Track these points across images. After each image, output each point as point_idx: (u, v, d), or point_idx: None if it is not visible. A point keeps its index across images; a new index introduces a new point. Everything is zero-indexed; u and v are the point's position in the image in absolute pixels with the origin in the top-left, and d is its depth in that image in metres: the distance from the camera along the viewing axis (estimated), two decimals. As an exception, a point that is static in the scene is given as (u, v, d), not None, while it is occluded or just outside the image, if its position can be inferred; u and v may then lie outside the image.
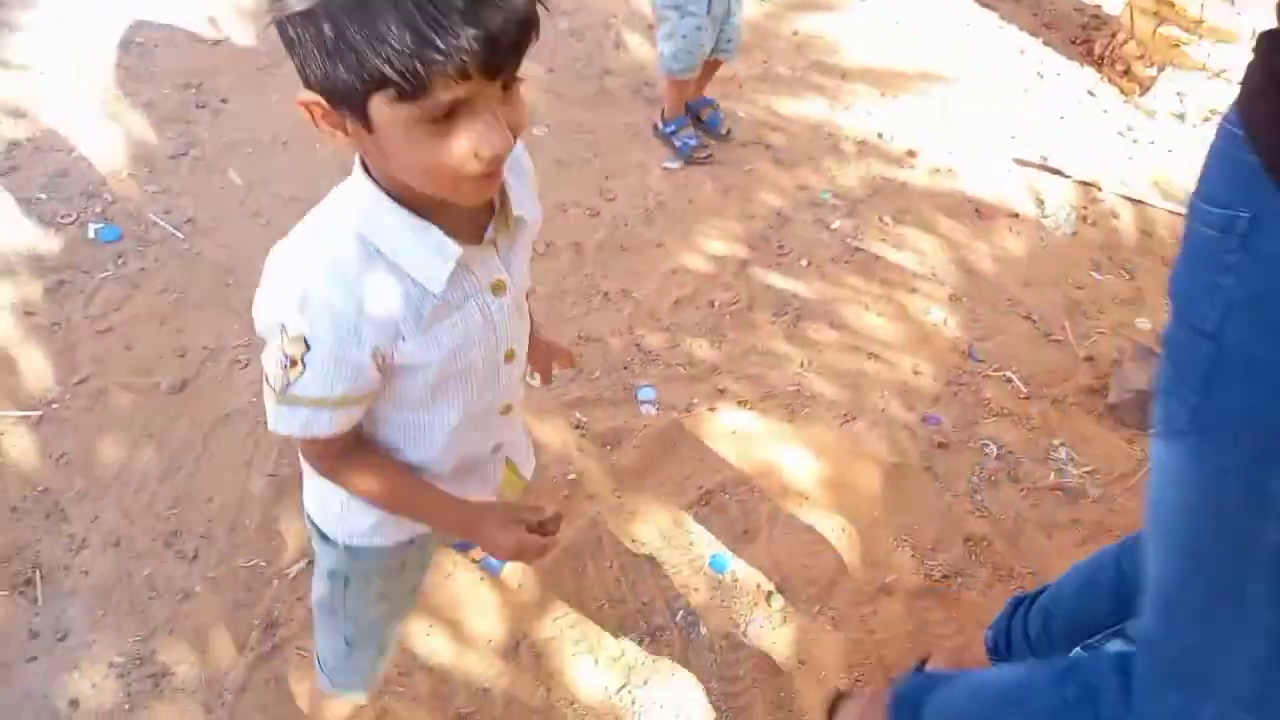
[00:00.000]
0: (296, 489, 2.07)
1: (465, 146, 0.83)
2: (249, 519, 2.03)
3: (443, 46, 0.74)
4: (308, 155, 2.86)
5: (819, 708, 1.88)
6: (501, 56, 0.78)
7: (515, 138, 0.87)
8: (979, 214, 3.13)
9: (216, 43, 3.25)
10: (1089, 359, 2.68)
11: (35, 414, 2.14)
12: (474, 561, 1.99)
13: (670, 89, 3.06)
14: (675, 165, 3.11)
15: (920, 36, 3.93)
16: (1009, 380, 2.61)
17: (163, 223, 2.60)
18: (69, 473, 2.05)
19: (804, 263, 2.86)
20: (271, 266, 0.96)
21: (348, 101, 0.81)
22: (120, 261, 2.49)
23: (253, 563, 1.96)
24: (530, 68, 3.33)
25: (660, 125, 3.16)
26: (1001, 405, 2.54)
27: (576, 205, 2.91)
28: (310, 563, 1.97)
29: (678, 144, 3.11)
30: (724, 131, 3.20)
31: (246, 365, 2.31)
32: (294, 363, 0.95)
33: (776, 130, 3.34)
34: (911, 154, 3.32)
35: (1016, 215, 3.15)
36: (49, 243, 2.49)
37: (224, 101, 3.03)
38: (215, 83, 3.09)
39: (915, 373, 2.60)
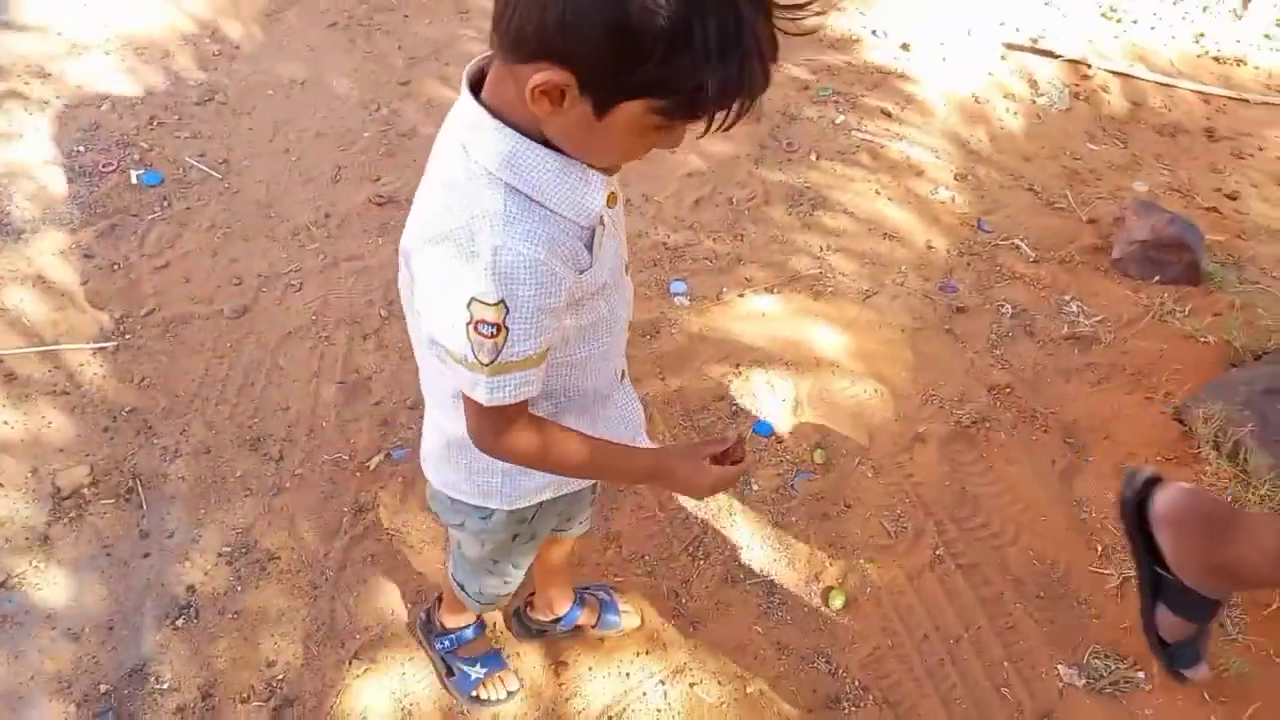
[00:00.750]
0: (366, 393, 2.23)
1: (672, 144, 0.92)
2: (325, 421, 2.17)
3: (762, 86, 0.83)
4: (325, 94, 2.95)
5: (921, 524, 2.05)
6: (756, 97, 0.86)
7: None
8: (976, 98, 3.25)
9: (221, -6, 3.32)
10: (1091, 221, 2.82)
11: (110, 345, 2.26)
12: (592, 629, 1.87)
13: None
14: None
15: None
16: (1018, 247, 2.75)
17: (199, 165, 2.71)
18: (152, 394, 2.19)
19: (813, 156, 2.98)
20: (433, 254, 0.95)
21: (610, 96, 0.84)
22: (165, 203, 2.60)
23: (335, 456, 2.11)
24: None
25: None
26: (1013, 269, 2.69)
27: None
28: (388, 455, 2.12)
29: None
30: None
31: (300, 288, 2.44)
32: (498, 329, 0.93)
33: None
34: (905, 47, 3.43)
35: (1012, 96, 3.27)
36: (95, 191, 2.60)
37: (237, 47, 3.12)
38: (226, 30, 3.17)
39: (929, 247, 2.73)
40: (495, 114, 0.92)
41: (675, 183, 2.86)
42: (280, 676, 1.81)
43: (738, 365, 2.39)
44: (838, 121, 3.11)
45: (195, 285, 2.42)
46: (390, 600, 1.92)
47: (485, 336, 0.94)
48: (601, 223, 1.01)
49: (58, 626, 1.82)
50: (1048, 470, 2.22)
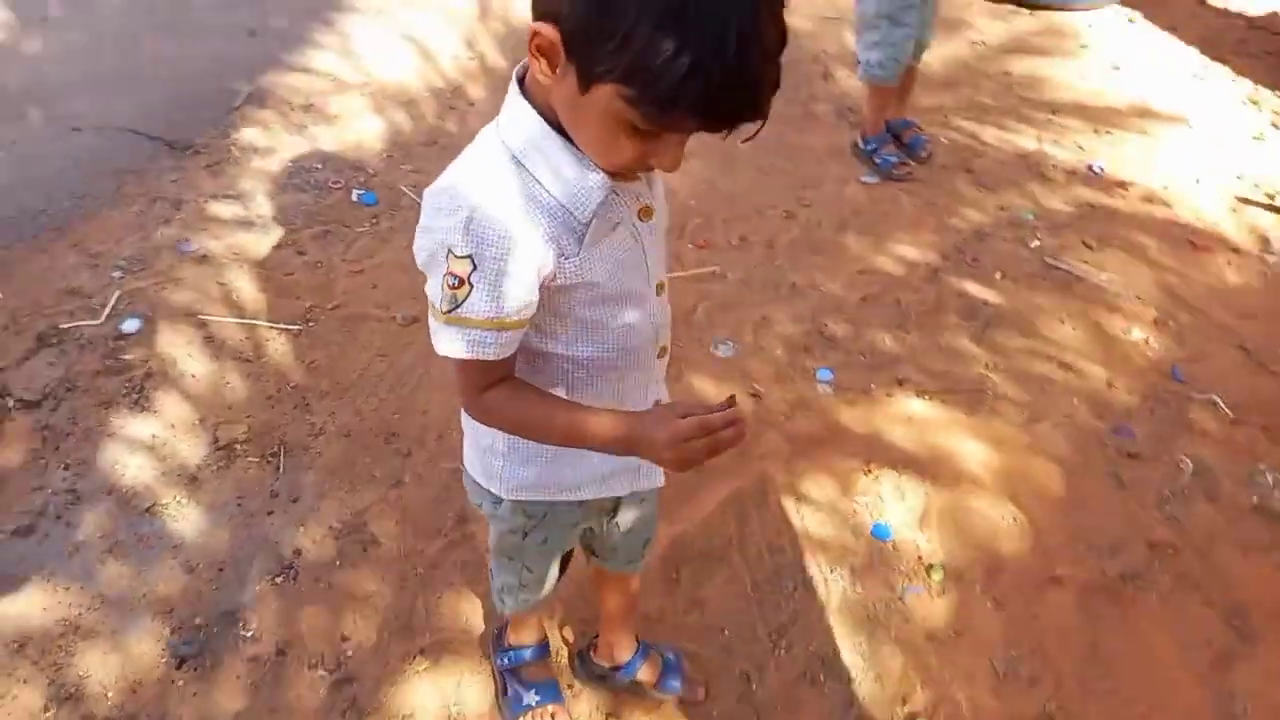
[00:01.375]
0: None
1: (649, 158, 0.93)
2: (455, 431, 2.28)
3: (738, 114, 0.84)
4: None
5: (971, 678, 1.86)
6: (731, 126, 0.87)
7: None
8: (1193, 245, 3.02)
9: (471, 59, 3.72)
10: (1310, 392, 2.51)
11: (296, 328, 2.51)
12: (651, 688, 1.80)
13: (871, 100, 3.20)
14: (873, 180, 3.21)
15: (1141, 81, 3.86)
16: (1214, 403, 2.48)
17: (411, 194, 3.00)
18: (317, 376, 2.40)
19: (998, 275, 2.86)
20: (430, 201, 1.00)
21: (588, 67, 0.85)
22: (374, 221, 2.89)
23: (454, 465, 2.20)
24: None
25: (860, 143, 3.29)
26: (1204, 426, 2.42)
27: (773, 208, 3.07)
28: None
29: (878, 160, 3.22)
30: (924, 154, 3.28)
31: (467, 310, 2.61)
32: (461, 282, 0.97)
33: (980, 156, 3.38)
34: (1123, 185, 3.26)
35: (1236, 250, 3.01)
36: (321, 202, 2.93)
37: (471, 105, 3.46)
38: (468, 90, 3.54)
39: (1109, 386, 2.53)
40: (525, 93, 0.99)
41: (846, 274, 2.83)
42: (350, 653, 1.86)
43: (870, 463, 2.29)
44: (1033, 245, 2.98)
45: (380, 292, 2.65)
46: (468, 609, 1.95)
47: (451, 288, 0.98)
48: (611, 226, 1.05)
49: (179, 557, 1.99)
50: (1201, 649, 1.93)
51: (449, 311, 0.99)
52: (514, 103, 0.99)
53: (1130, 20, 4.32)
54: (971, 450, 2.33)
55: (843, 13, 4.19)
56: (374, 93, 3.42)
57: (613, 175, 1.00)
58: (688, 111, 0.83)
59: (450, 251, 0.97)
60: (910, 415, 2.42)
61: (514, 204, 0.97)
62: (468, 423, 1.29)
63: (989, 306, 2.74)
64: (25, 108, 3.09)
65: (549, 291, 1.06)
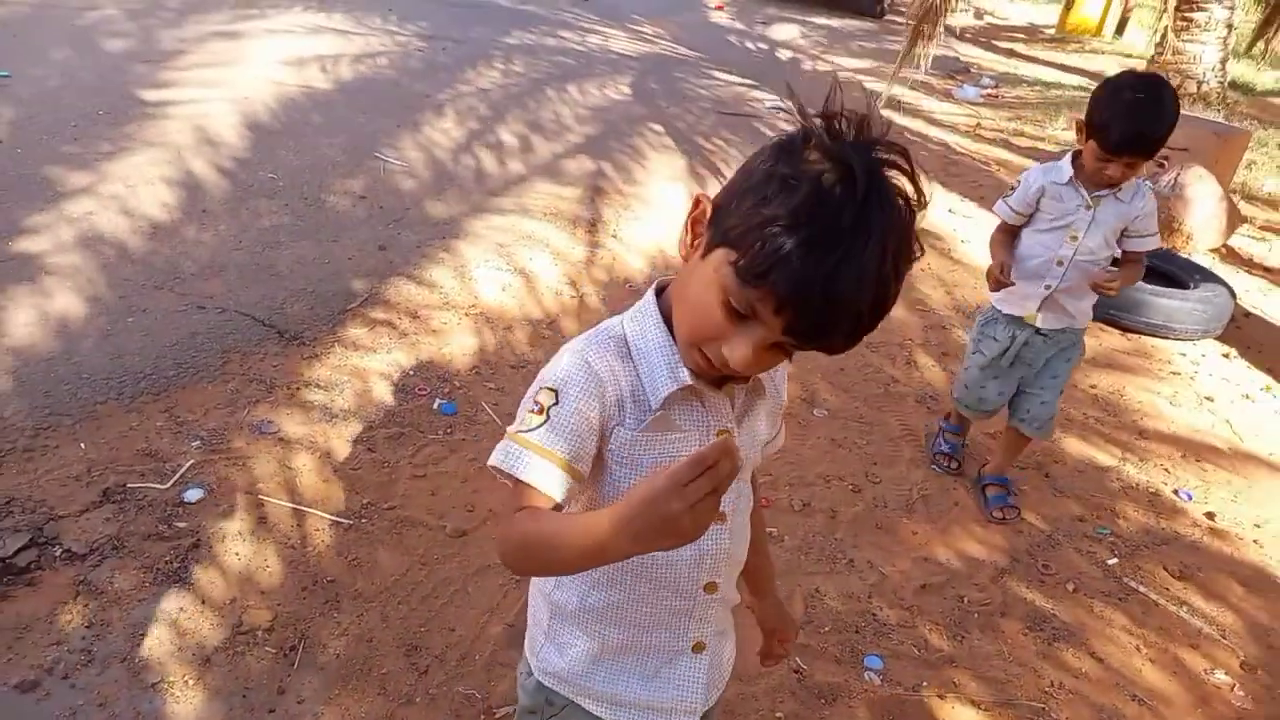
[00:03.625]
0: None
1: (721, 339, 0.98)
2: (479, 655, 2.19)
3: (795, 302, 0.91)
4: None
5: None
6: (806, 336, 0.95)
7: (759, 372, 1.07)
8: (1287, 588, 2.82)
9: (572, 297, 3.95)
10: None
11: (347, 522, 2.53)
12: None
13: (954, 413, 3.16)
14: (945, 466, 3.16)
15: (1235, 418, 3.80)
16: (1310, 772, 2.21)
17: (490, 411, 3.09)
18: (355, 573, 2.37)
19: (1070, 587, 2.71)
20: (559, 353, 1.13)
21: (717, 231, 0.98)
22: (448, 430, 2.97)
23: (470, 692, 2.09)
24: (823, 360, 3.66)
25: (940, 421, 3.25)
26: (1298, 798, 2.14)
27: (840, 480, 3.04)
28: (515, 711, 2.07)
29: (935, 447, 3.18)
30: (997, 514, 2.95)
31: (517, 533, 2.59)
32: (540, 410, 1.06)
33: (1059, 463, 3.32)
34: (1211, 517, 3.12)
35: (1338, 600, 2.80)
36: (403, 405, 3.05)
37: (562, 337, 3.64)
38: (561, 324, 3.73)
39: (1188, 731, 2.29)
40: (658, 301, 1.12)
41: (907, 562, 2.73)
42: None
43: (912, 772, 2.08)
44: (1109, 564, 2.83)
45: (437, 500, 2.66)
46: None
47: (530, 412, 1.07)
48: (676, 427, 1.10)
49: (169, 741, 1.90)
50: None
51: (516, 430, 1.07)
52: (645, 298, 1.13)
53: (1225, 355, 4.34)
54: (1028, 778, 2.10)
55: (933, 308, 4.35)
56: (477, 314, 3.63)
57: (698, 376, 1.07)
58: (772, 290, 0.91)
59: (543, 385, 1.08)
60: (962, 725, 2.23)
61: (607, 365, 1.08)
62: (532, 593, 1.34)
63: (1058, 620, 2.58)
64: (164, 282, 3.38)
65: (599, 462, 1.11)
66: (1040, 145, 7.30)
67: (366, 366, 3.19)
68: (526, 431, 1.06)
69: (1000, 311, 2.79)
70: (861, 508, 2.93)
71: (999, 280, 2.62)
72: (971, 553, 2.82)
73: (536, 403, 1.07)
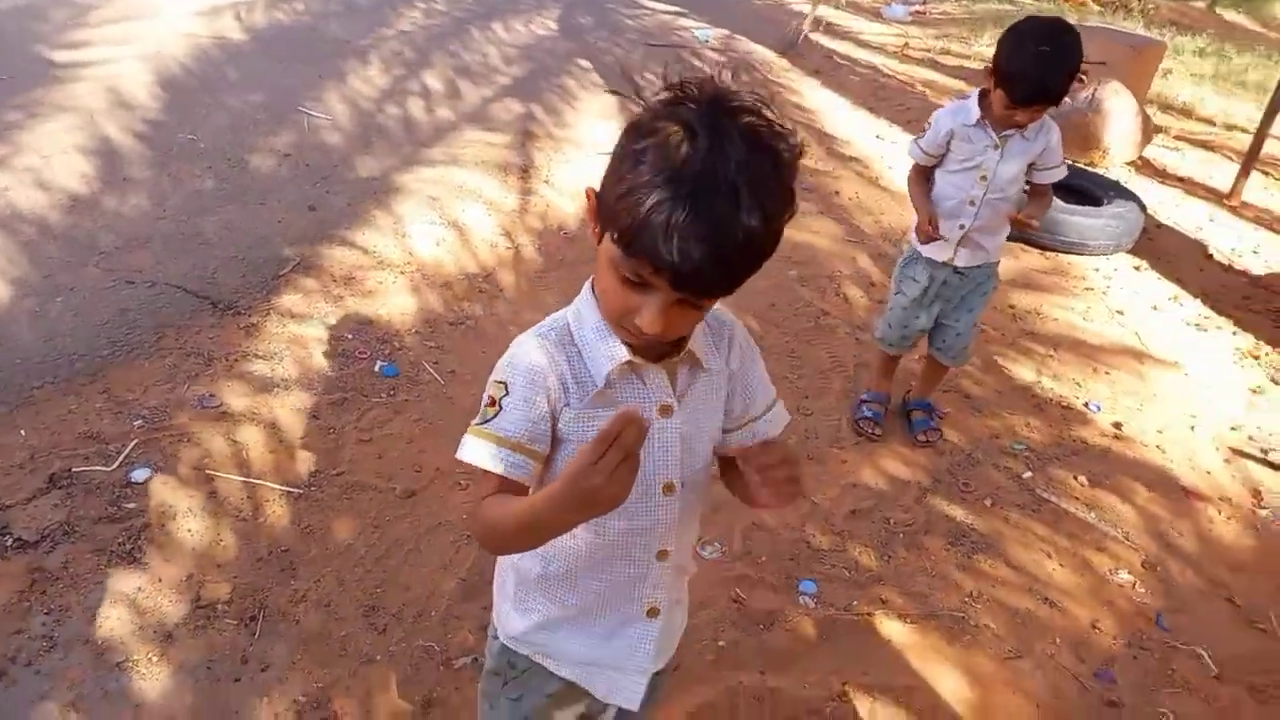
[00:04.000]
0: (481, 594, 2.35)
1: (632, 311, 1.06)
2: (434, 610, 2.30)
3: (665, 259, 0.97)
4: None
5: None
6: (689, 288, 1.01)
7: (678, 334, 1.13)
8: (1185, 493, 3.05)
9: (507, 248, 3.98)
10: (1300, 654, 2.46)
11: (297, 491, 2.59)
12: None
13: (876, 359, 3.22)
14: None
15: (1143, 329, 4.01)
16: (1200, 656, 2.44)
17: (431, 370, 3.15)
18: (308, 541, 2.45)
19: (988, 502, 2.90)
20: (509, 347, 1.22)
21: (602, 218, 1.07)
22: (391, 393, 3.03)
23: (428, 644, 2.21)
24: (754, 297, 3.76)
25: (861, 394, 3.26)
26: (1188, 680, 2.38)
27: (775, 415, 3.17)
28: (474, 660, 2.19)
29: (858, 413, 3.18)
30: (920, 438, 3.12)
31: (466, 488, 2.68)
32: (493, 403, 1.17)
33: (978, 385, 3.50)
34: (1118, 426, 3.34)
35: (1229, 500, 3.04)
36: (344, 370, 3.09)
37: (500, 291, 3.68)
38: (498, 277, 3.77)
39: (1094, 628, 2.51)
40: (594, 289, 1.20)
41: (838, 489, 2.89)
42: (291, 837, 1.82)
43: (845, 684, 2.26)
44: (1024, 477, 3.03)
45: (384, 462, 2.74)
46: (418, 801, 1.91)
47: (486, 405, 1.18)
48: (616, 403, 1.17)
49: (140, 718, 1.99)
50: None
51: (478, 424, 1.17)
52: (584, 289, 1.21)
53: (1136, 268, 4.54)
54: (949, 683, 2.29)
55: (861, 237, 4.46)
56: (412, 272, 3.65)
57: (635, 351, 1.15)
58: (644, 253, 0.98)
59: (493, 379, 1.19)
60: (889, 638, 2.41)
61: (550, 351, 1.17)
62: (499, 562, 1.44)
63: (976, 534, 2.77)
64: (89, 258, 3.33)
65: (554, 441, 1.19)
66: (966, 64, 7.37)
67: (305, 333, 3.21)
68: (483, 424, 1.17)
69: (919, 253, 2.88)
70: (793, 440, 3.07)
71: (930, 234, 2.70)
72: (898, 476, 2.99)
73: (489, 396, 1.18)
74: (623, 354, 1.16)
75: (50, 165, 3.78)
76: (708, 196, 0.96)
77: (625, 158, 1.01)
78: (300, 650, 2.18)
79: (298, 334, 3.20)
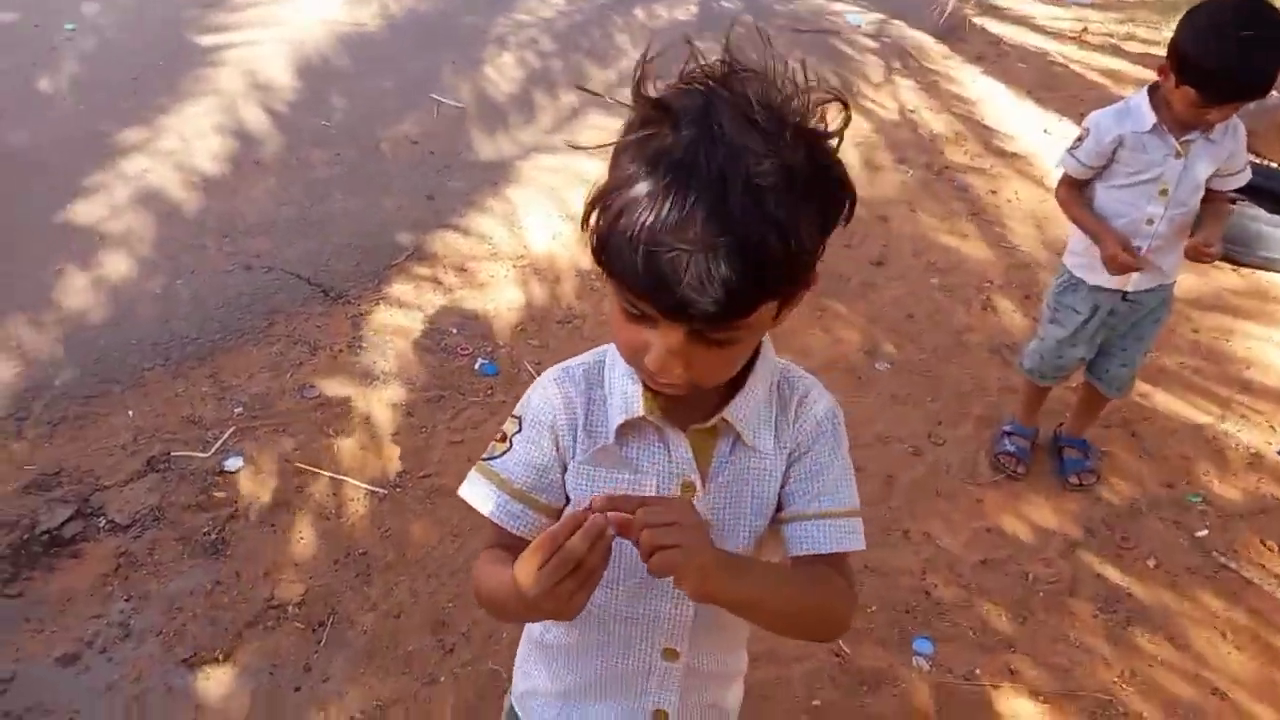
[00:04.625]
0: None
1: (638, 347, 0.85)
2: (505, 632, 2.15)
3: (635, 278, 0.77)
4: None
5: None
6: (682, 316, 0.78)
7: (702, 381, 0.88)
8: (1405, 569, 2.53)
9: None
10: None
11: (382, 491, 2.51)
12: None
13: (1023, 388, 2.82)
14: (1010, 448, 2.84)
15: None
16: None
17: (531, 370, 3.01)
18: (386, 546, 2.36)
19: (1151, 563, 2.49)
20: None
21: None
22: (488, 392, 2.90)
23: (497, 669, 2.06)
24: (889, 308, 3.43)
25: (1004, 424, 2.86)
26: (1399, 810, 1.94)
27: (900, 441, 2.85)
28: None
29: (999, 446, 2.79)
30: (1074, 481, 2.72)
31: (553, 501, 2.52)
32: (504, 438, 1.03)
33: (1147, 420, 3.04)
34: (1319, 481, 2.82)
35: None
36: (444, 366, 2.99)
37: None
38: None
39: (1276, 730, 2.09)
40: None
41: (968, 532, 2.55)
42: None
43: (958, 767, 1.96)
44: (1198, 535, 2.59)
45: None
46: None
47: (497, 440, 1.04)
48: (623, 462, 0.98)
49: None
50: None
51: (483, 459, 1.04)
52: None
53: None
54: (1086, 779, 1.95)
55: (1018, 244, 4.03)
56: (525, 265, 3.53)
57: (663, 405, 0.96)
58: (616, 274, 0.80)
59: (513, 413, 1.05)
60: (1018, 716, 2.08)
61: (568, 392, 1.01)
62: None
63: (1133, 600, 2.38)
64: (212, 241, 3.39)
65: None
66: (1154, 51, 6.63)
67: (410, 325, 3.14)
68: (489, 459, 1.04)
69: (1081, 280, 2.44)
70: (922, 471, 2.75)
71: (1127, 263, 2.23)
72: (1042, 523, 2.61)
73: (502, 431, 1.04)
74: (638, 408, 0.95)
75: (189, 149, 3.88)
76: (687, 192, 0.74)
77: (611, 162, 0.82)
78: (364, 663, 2.08)
79: (403, 325, 3.13)
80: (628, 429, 0.98)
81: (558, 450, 1.01)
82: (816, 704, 2.07)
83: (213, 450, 2.55)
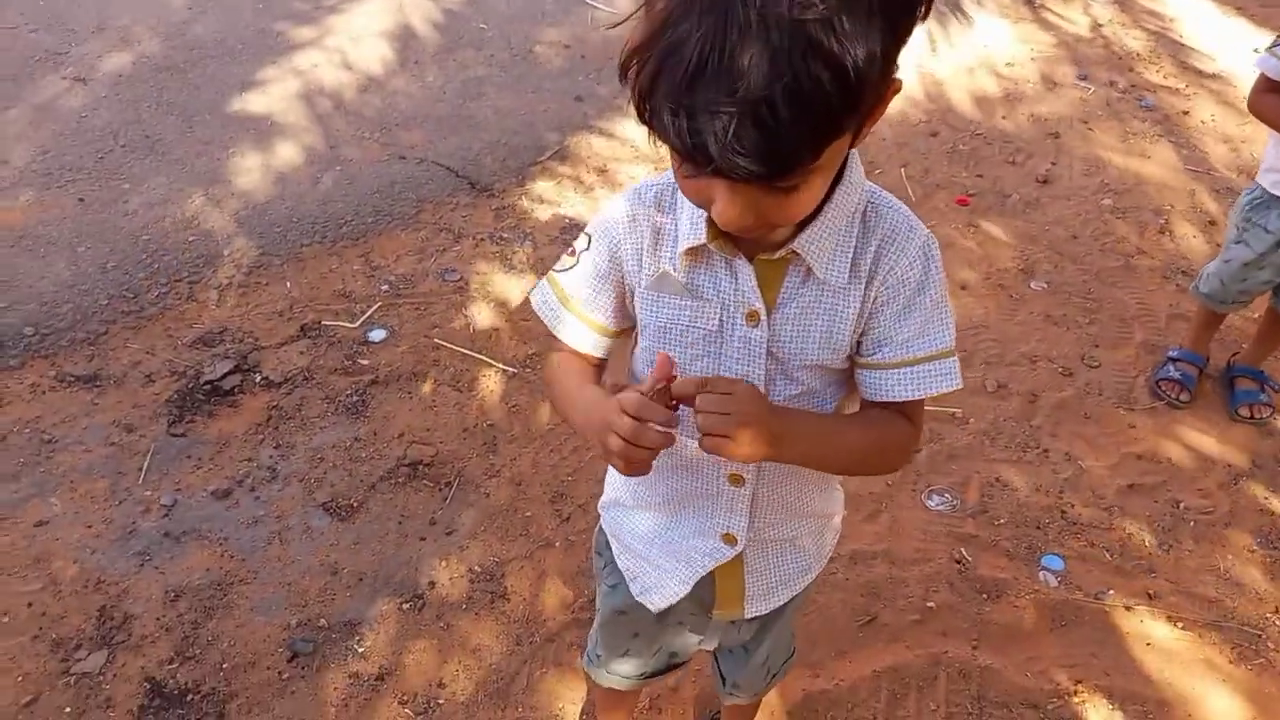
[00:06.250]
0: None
1: (703, 199, 0.82)
2: (620, 508, 2.19)
3: (672, 138, 0.73)
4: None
5: None
6: (735, 167, 0.72)
7: (777, 223, 0.84)
8: None
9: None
10: None
11: (512, 370, 2.58)
12: None
13: (1197, 313, 2.60)
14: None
15: None
16: None
17: (666, 268, 3.00)
18: (512, 419, 2.43)
19: (1325, 502, 2.26)
20: None
21: None
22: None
23: (605, 542, 2.10)
24: (1051, 226, 3.20)
25: (1170, 350, 2.66)
26: None
27: (1050, 361, 2.68)
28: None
29: (1160, 373, 2.59)
30: (1245, 413, 2.49)
31: (677, 392, 2.52)
32: (574, 253, 1.05)
33: (1342, 356, 2.73)
34: None
35: None
36: (581, 259, 3.02)
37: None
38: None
39: None
40: None
41: (1117, 455, 2.38)
42: (441, 701, 1.82)
43: (1078, 682, 1.86)
44: (1388, 479, 2.32)
45: (600, 355, 2.65)
46: (568, 695, 1.83)
47: (569, 254, 1.06)
48: (687, 289, 0.96)
49: (331, 556, 2.07)
50: None
51: (553, 270, 1.07)
52: None
53: None
54: (1222, 707, 1.81)
55: (1207, 168, 3.66)
56: (665, 166, 3.50)
57: (729, 237, 0.92)
58: (657, 128, 0.74)
59: (585, 230, 1.05)
60: (1152, 640, 1.95)
61: (638, 212, 0.99)
62: None
63: (1301, 538, 2.17)
64: (371, 132, 3.53)
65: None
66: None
67: (549, 218, 3.18)
68: (559, 272, 1.06)
69: (1276, 196, 2.22)
70: (1070, 393, 2.58)
71: None
72: (1203, 452, 2.41)
73: (573, 246, 1.05)
74: (702, 234, 0.91)
75: (356, 46, 4.04)
76: (724, 41, 0.66)
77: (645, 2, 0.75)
78: (485, 522, 2.16)
79: (543, 219, 3.17)
80: (694, 255, 0.94)
81: (619, 271, 1.01)
82: (931, 606, 2.01)
83: (359, 321, 2.69)
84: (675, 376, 0.88)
